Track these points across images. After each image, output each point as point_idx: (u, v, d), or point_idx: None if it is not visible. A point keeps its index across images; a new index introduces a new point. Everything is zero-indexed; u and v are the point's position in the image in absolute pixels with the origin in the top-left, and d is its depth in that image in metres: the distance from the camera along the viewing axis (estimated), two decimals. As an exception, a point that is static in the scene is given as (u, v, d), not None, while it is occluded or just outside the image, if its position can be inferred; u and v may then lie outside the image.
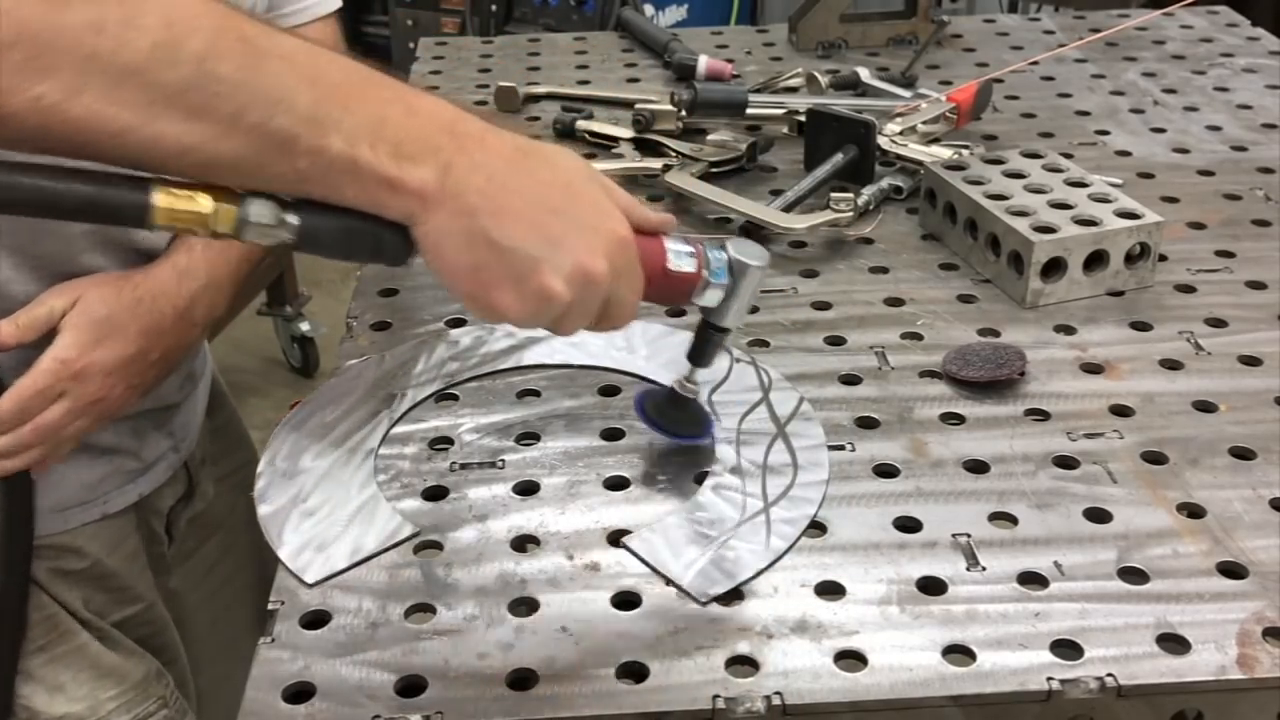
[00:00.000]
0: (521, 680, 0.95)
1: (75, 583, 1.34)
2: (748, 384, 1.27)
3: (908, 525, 1.10)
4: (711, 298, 1.07)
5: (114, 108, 0.80)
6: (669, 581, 1.04)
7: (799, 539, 1.09)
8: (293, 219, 0.90)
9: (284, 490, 1.14)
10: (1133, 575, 1.04)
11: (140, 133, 0.82)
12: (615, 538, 1.09)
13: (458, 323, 1.39)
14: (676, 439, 1.20)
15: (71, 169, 0.85)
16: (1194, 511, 1.11)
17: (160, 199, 0.86)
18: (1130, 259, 1.44)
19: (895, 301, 1.44)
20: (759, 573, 1.05)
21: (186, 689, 1.51)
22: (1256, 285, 1.46)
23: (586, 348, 1.32)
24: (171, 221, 0.87)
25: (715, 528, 1.09)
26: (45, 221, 1.11)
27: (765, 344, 1.36)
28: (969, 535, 1.09)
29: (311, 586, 1.04)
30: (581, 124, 1.83)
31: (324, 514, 1.11)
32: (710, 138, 1.76)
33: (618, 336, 1.31)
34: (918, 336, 1.37)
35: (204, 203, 0.87)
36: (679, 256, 1.04)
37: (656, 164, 1.70)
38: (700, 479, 1.16)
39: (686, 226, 1.61)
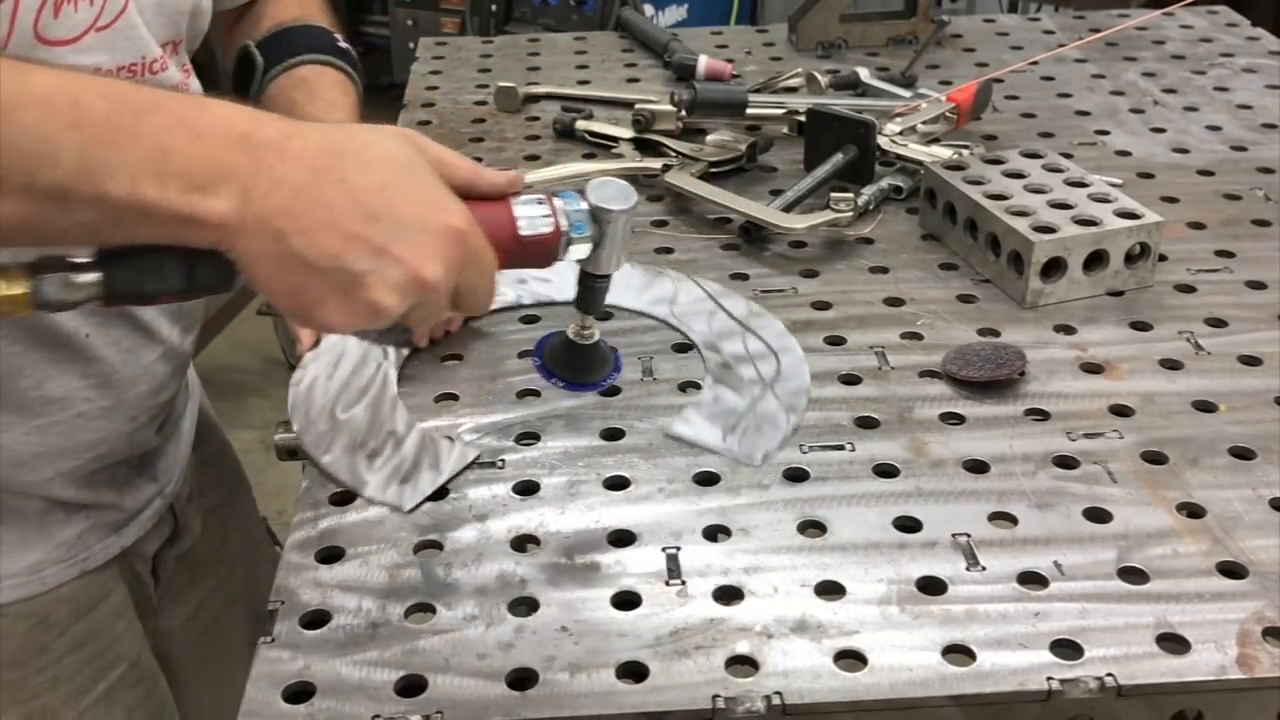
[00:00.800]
0: (521, 680, 0.95)
1: (48, 664, 1.24)
2: (697, 296, 1.41)
3: (908, 525, 1.10)
4: (578, 252, 1.03)
5: None
6: (719, 454, 1.17)
7: (806, 407, 1.24)
8: (91, 279, 0.85)
9: (335, 440, 1.20)
10: (1133, 575, 1.04)
11: None
12: (615, 538, 1.09)
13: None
14: (581, 389, 1.19)
15: None
16: (1194, 511, 1.11)
17: None
18: (1130, 259, 1.44)
19: (895, 301, 1.44)
20: (787, 436, 1.19)
21: None
22: (1256, 285, 1.46)
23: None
24: None
25: (734, 410, 1.22)
26: None
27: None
28: (969, 535, 1.09)
29: (409, 512, 1.12)
30: (581, 124, 1.83)
31: (388, 454, 1.18)
32: (710, 138, 1.76)
33: (624, 282, 1.38)
34: (918, 336, 1.37)
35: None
36: (532, 220, 0.99)
37: (656, 164, 1.70)
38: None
39: (687, 226, 1.61)
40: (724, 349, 1.33)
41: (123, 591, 1.33)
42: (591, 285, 1.08)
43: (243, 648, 1.53)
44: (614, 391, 1.29)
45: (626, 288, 1.43)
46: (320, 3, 1.55)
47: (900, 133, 1.71)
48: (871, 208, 1.62)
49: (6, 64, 0.81)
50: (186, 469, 1.45)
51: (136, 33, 1.15)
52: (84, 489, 1.25)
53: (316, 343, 1.32)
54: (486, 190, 0.97)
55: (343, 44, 1.50)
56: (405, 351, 1.34)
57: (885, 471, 1.17)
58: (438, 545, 1.09)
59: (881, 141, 1.67)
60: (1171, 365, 1.32)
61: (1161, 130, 1.84)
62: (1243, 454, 1.18)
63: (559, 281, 1.41)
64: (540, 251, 1.00)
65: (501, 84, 1.94)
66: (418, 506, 1.13)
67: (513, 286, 1.44)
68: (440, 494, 1.15)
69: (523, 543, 1.09)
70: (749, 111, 1.80)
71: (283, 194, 0.85)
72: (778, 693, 0.93)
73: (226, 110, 0.87)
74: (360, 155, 0.89)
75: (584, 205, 1.02)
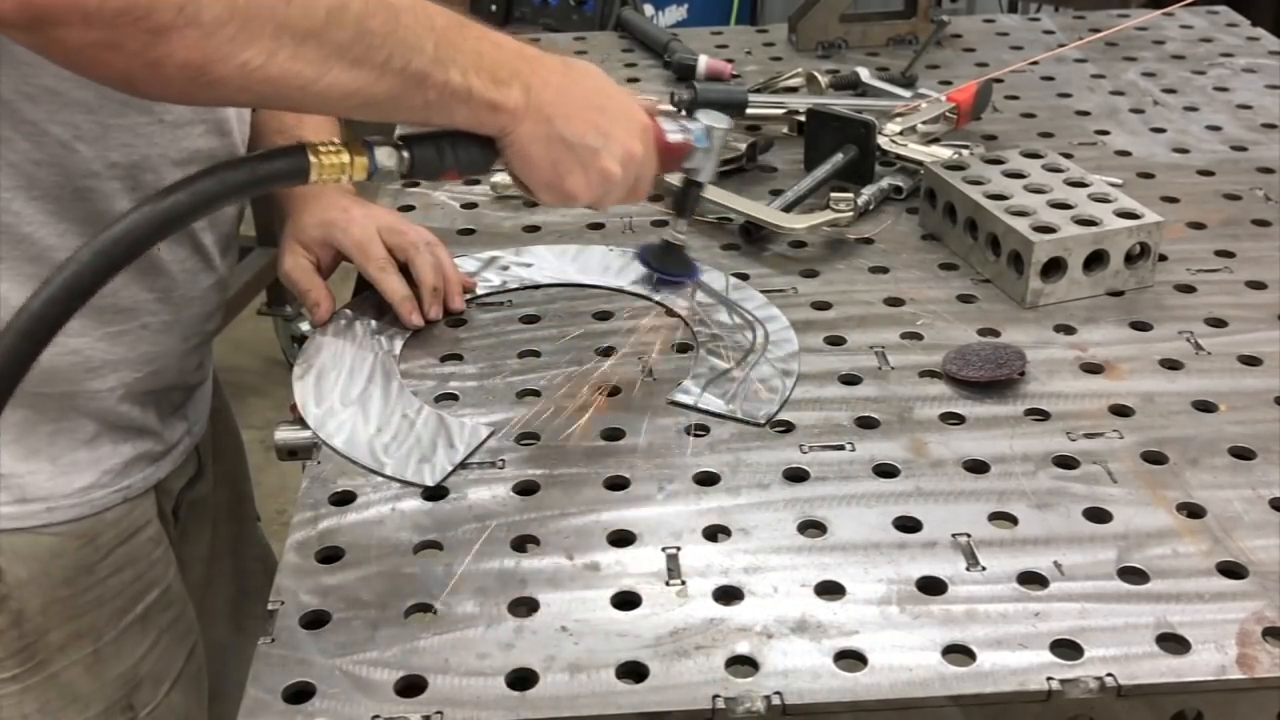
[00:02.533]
0: (521, 680, 0.95)
1: (95, 584, 1.34)
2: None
3: (908, 525, 1.10)
4: (697, 159, 1.32)
5: (299, 64, 0.96)
6: (724, 418, 1.23)
7: (798, 371, 1.30)
8: (405, 154, 1.09)
9: (348, 425, 1.23)
10: (1133, 575, 1.04)
11: (319, 84, 0.98)
12: (615, 538, 1.09)
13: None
14: (672, 278, 1.45)
15: (229, 162, 0.99)
16: (1194, 511, 1.11)
17: (314, 160, 1.02)
18: (1130, 259, 1.44)
19: (895, 301, 1.44)
20: (786, 397, 1.26)
21: (204, 668, 1.52)
22: (1256, 285, 1.46)
23: (543, 269, 1.52)
24: (321, 176, 1.03)
25: (730, 377, 1.29)
26: (76, 170, 1.20)
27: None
28: (969, 535, 1.09)
29: (434, 486, 1.16)
30: (581, 124, 1.82)
31: (402, 436, 1.22)
32: (710, 138, 1.76)
33: (603, 264, 1.53)
34: (918, 336, 1.37)
35: (344, 158, 1.04)
36: (672, 131, 1.28)
37: (656, 164, 1.70)
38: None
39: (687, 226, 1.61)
40: (711, 320, 1.40)
41: (157, 523, 1.42)
42: (690, 192, 1.39)
43: (224, 601, 1.64)
44: (614, 391, 1.29)
45: (606, 269, 1.50)
46: None
47: (900, 133, 1.71)
48: (871, 208, 1.62)
49: None
50: (208, 415, 1.54)
51: None
52: (136, 407, 1.35)
53: (331, 316, 1.41)
54: (645, 109, 1.25)
55: None
56: (401, 342, 1.37)
57: (885, 471, 1.17)
58: (438, 545, 1.09)
59: (881, 141, 1.67)
60: (1171, 365, 1.32)
61: (1161, 130, 1.84)
62: (1243, 454, 1.18)
63: (539, 265, 1.52)
64: (677, 156, 1.30)
65: (501, 84, 1.94)
66: (443, 480, 1.16)
67: (497, 273, 1.50)
68: (440, 494, 1.15)
69: (523, 543, 1.09)
70: (749, 111, 1.80)
71: (549, 91, 1.14)
72: (778, 693, 0.93)
73: (505, 36, 1.15)
74: (585, 70, 1.21)
75: (700, 124, 1.31)
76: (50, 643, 1.31)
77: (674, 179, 1.39)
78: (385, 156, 1.08)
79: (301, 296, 1.43)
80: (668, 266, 1.44)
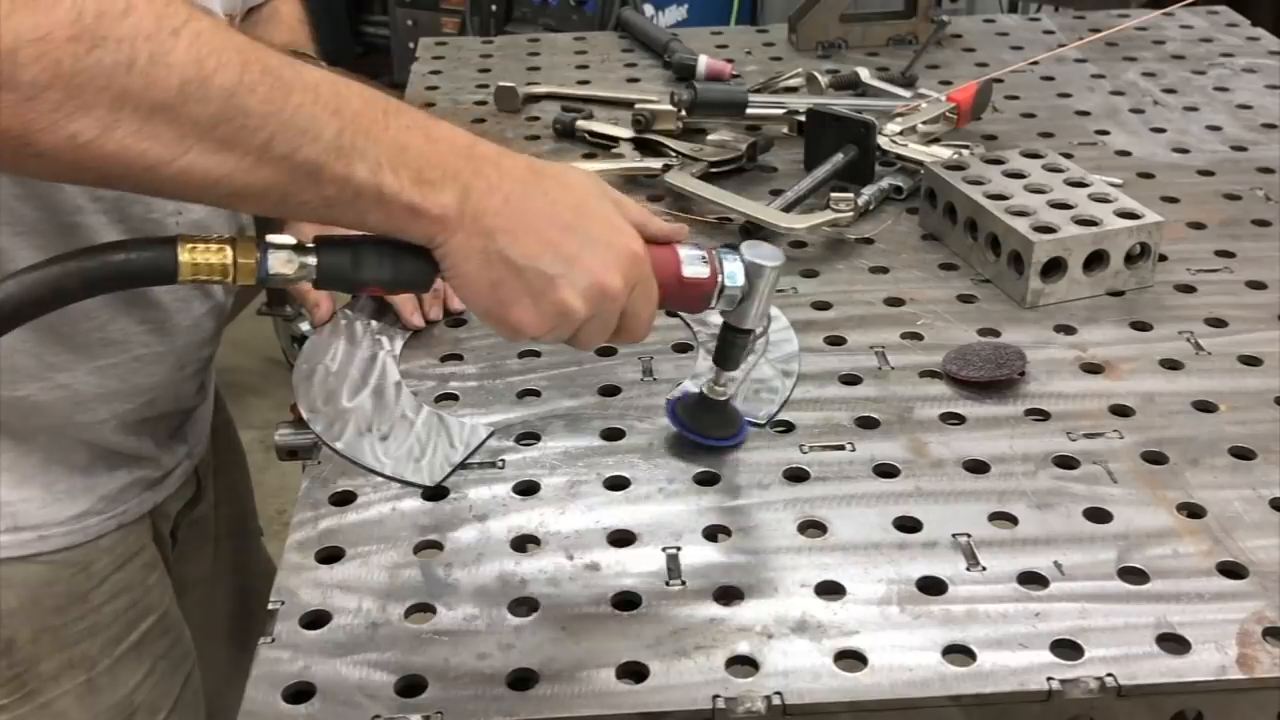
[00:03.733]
0: (521, 680, 0.95)
1: (88, 612, 1.32)
2: None
3: (908, 525, 1.10)
4: (728, 302, 1.09)
5: (146, 142, 0.83)
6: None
7: (799, 371, 1.30)
8: (310, 260, 0.94)
9: (348, 425, 1.23)
10: (1133, 575, 1.04)
11: (172, 166, 0.85)
12: (615, 538, 1.09)
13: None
14: (709, 442, 1.20)
15: (86, 249, 0.89)
16: (1194, 511, 1.11)
17: (184, 258, 0.89)
18: (1130, 259, 1.44)
19: (895, 301, 1.44)
20: (787, 397, 1.25)
21: (201, 696, 1.50)
22: (1256, 285, 1.46)
23: None
24: (195, 275, 0.90)
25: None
26: (60, 205, 1.15)
27: (765, 344, 1.36)
28: (969, 535, 1.09)
29: (433, 486, 1.15)
30: (581, 124, 1.83)
31: (402, 435, 1.21)
32: (710, 138, 1.76)
33: None
34: (918, 336, 1.37)
35: (225, 257, 0.90)
36: (693, 263, 1.07)
37: (656, 164, 1.70)
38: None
39: (683, 225, 1.61)
40: (711, 321, 1.35)
41: (152, 548, 1.40)
42: (732, 340, 1.14)
43: (226, 619, 1.62)
44: (614, 391, 1.29)
45: None
46: (308, 34, 1.61)
47: (900, 133, 1.71)
48: (871, 208, 1.62)
49: (283, 57, 0.90)
50: (208, 435, 1.52)
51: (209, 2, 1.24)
52: (131, 437, 1.32)
53: (332, 316, 1.39)
54: (654, 234, 1.06)
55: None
56: (401, 342, 1.37)
57: (885, 471, 1.17)
58: (438, 545, 1.09)
59: (881, 141, 1.67)
60: (1171, 365, 1.32)
61: (1161, 130, 1.84)
62: (1243, 454, 1.18)
63: None
64: (697, 294, 1.08)
65: (501, 84, 1.94)
66: (443, 480, 1.16)
67: None
68: (440, 494, 1.15)
69: (523, 543, 1.09)
70: (749, 111, 1.80)
71: (495, 199, 0.96)
72: (778, 693, 0.93)
73: (453, 127, 0.98)
74: (559, 178, 1.01)
75: (738, 258, 1.09)
76: (42, 672, 1.29)
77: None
78: (281, 262, 0.92)
79: (301, 297, 1.42)
80: (704, 428, 1.20)
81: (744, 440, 1.20)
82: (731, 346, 1.15)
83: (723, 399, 1.19)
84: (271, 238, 0.93)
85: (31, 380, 1.21)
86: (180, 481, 1.43)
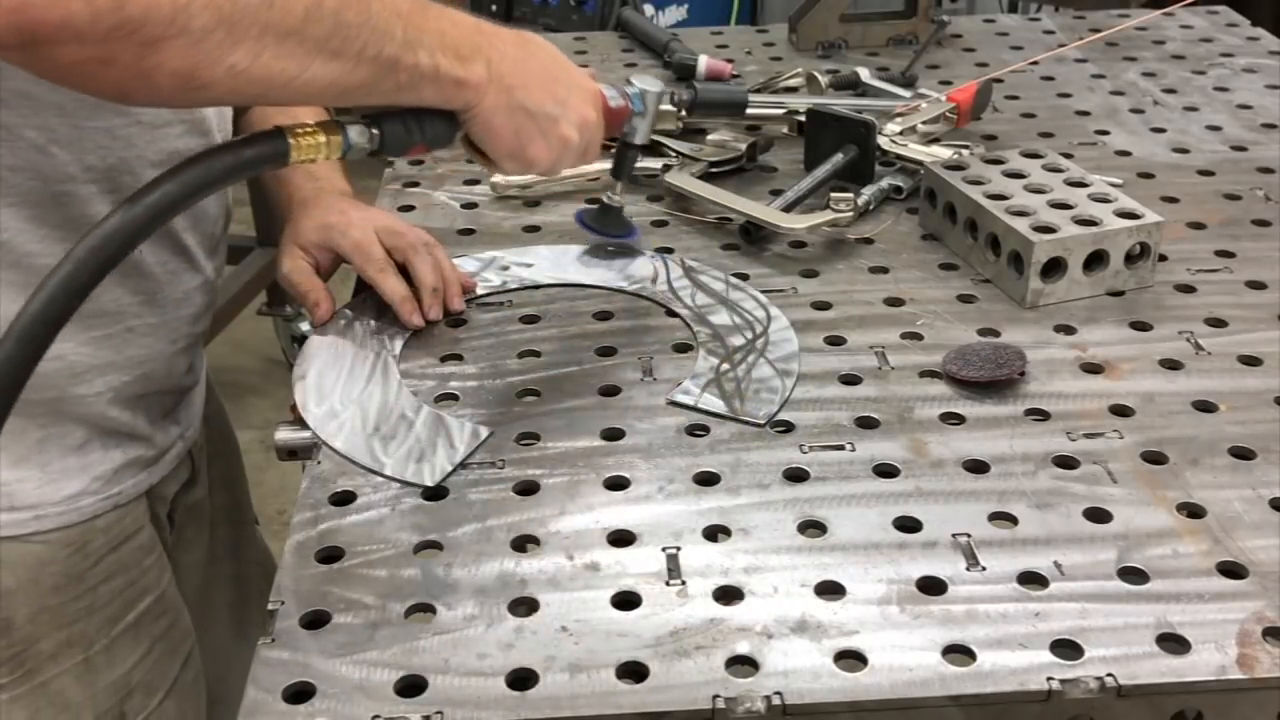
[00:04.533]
0: (521, 680, 0.95)
1: (85, 592, 1.33)
2: (677, 274, 1.49)
3: (908, 525, 1.10)
4: (635, 122, 1.41)
5: (283, 61, 0.99)
6: (725, 418, 1.24)
7: (798, 371, 1.30)
8: (375, 131, 1.12)
9: (347, 426, 1.24)
10: (1133, 575, 1.04)
11: (302, 78, 1.01)
12: (615, 538, 1.09)
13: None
14: (610, 238, 1.52)
15: (211, 150, 1.01)
16: (1194, 511, 1.11)
17: (293, 141, 1.06)
18: (1130, 259, 1.44)
19: (895, 301, 1.44)
20: (786, 397, 1.26)
21: (201, 677, 1.52)
22: (1256, 285, 1.46)
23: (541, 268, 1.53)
24: (300, 156, 1.06)
25: (731, 377, 1.30)
26: (53, 174, 1.20)
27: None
28: (969, 535, 1.09)
29: (433, 486, 1.16)
30: (581, 124, 1.82)
31: (402, 435, 1.22)
32: (710, 138, 1.76)
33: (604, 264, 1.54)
34: (918, 336, 1.37)
35: (320, 138, 1.08)
36: (613, 98, 1.36)
37: (656, 164, 1.70)
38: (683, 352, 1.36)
39: (683, 225, 1.61)
40: (711, 320, 1.39)
41: (150, 529, 1.42)
42: (627, 155, 1.46)
43: (225, 606, 1.64)
44: (614, 391, 1.29)
45: (609, 268, 1.50)
46: None
47: (900, 133, 1.71)
48: (871, 208, 1.62)
49: None
50: (201, 420, 1.54)
51: None
52: (126, 412, 1.34)
53: (332, 316, 1.42)
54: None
55: None
56: (401, 342, 1.37)
57: (885, 471, 1.17)
58: (438, 545, 1.09)
59: (881, 141, 1.67)
60: (1171, 365, 1.32)
61: (1161, 130, 1.84)
62: (1243, 454, 1.18)
63: (539, 265, 1.52)
64: (618, 120, 1.39)
65: (501, 84, 1.94)
66: (443, 480, 1.16)
67: (497, 273, 1.50)
68: (440, 494, 1.15)
69: (523, 543, 1.09)
70: (749, 111, 1.80)
71: (507, 63, 1.17)
72: (778, 693, 0.93)
73: (461, 13, 1.18)
74: (538, 42, 1.25)
75: (637, 88, 1.40)
76: (40, 651, 1.31)
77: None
78: (357, 134, 1.11)
79: (301, 298, 1.43)
80: (606, 227, 1.51)
81: (637, 240, 1.53)
82: (625, 160, 1.47)
83: (619, 206, 1.50)
84: (343, 119, 1.11)
85: None
86: (175, 463, 1.45)
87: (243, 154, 1.02)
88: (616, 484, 1.16)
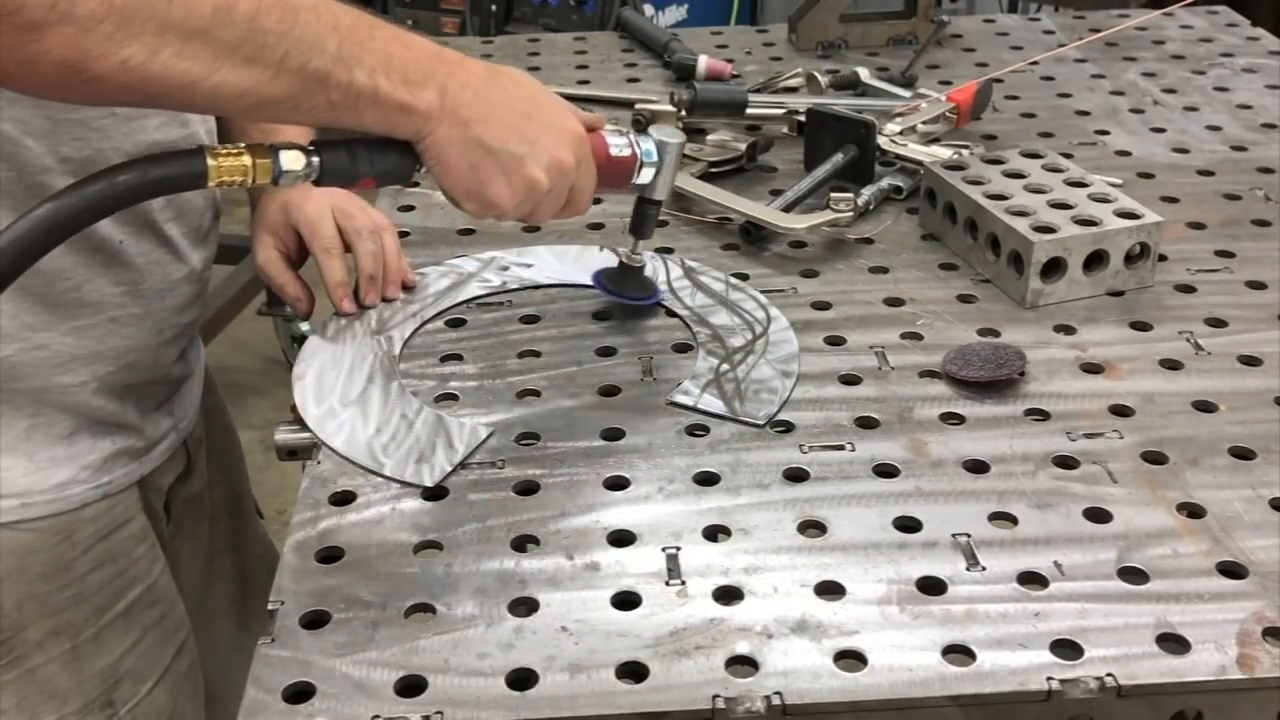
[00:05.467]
0: (521, 680, 0.95)
1: (73, 580, 1.34)
2: (677, 275, 1.48)
3: (908, 525, 1.10)
4: (646, 175, 1.29)
5: (186, 63, 0.95)
6: (725, 418, 1.23)
7: (798, 372, 1.30)
8: (315, 159, 1.07)
9: (347, 426, 1.23)
10: (1133, 575, 1.04)
11: (208, 82, 0.98)
12: (615, 538, 1.09)
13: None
14: (630, 301, 1.41)
15: (118, 165, 0.99)
16: (1194, 511, 1.11)
17: (212, 163, 1.01)
18: (1130, 259, 1.44)
19: (895, 301, 1.44)
20: (786, 398, 1.25)
21: (197, 667, 1.52)
22: (1256, 285, 1.46)
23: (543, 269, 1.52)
24: (220, 178, 1.02)
25: (731, 378, 1.28)
26: (28, 165, 1.19)
27: (765, 344, 1.36)
28: (969, 535, 1.09)
29: (433, 486, 1.15)
30: (581, 124, 1.82)
31: (401, 436, 1.22)
32: (710, 138, 1.76)
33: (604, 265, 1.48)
34: (918, 336, 1.37)
35: (245, 160, 1.03)
36: (617, 146, 1.26)
37: (657, 164, 1.70)
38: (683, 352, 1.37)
39: (683, 225, 1.61)
40: (711, 321, 1.39)
41: (142, 519, 1.42)
42: (646, 211, 1.36)
43: (226, 599, 1.64)
44: (614, 391, 1.29)
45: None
46: None
47: (900, 133, 1.71)
48: (871, 208, 1.62)
49: None
50: (199, 414, 1.54)
51: None
52: (113, 401, 1.34)
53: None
54: (584, 121, 1.22)
55: None
56: (401, 342, 1.37)
57: (885, 471, 1.17)
58: (438, 545, 1.09)
59: (881, 141, 1.67)
60: (1171, 365, 1.32)
61: (1161, 130, 1.84)
62: (1243, 454, 1.18)
63: (539, 265, 1.52)
64: (623, 170, 1.27)
65: (501, 84, 1.94)
66: (443, 480, 1.16)
67: (497, 273, 1.50)
68: (440, 494, 1.15)
69: (523, 543, 1.09)
70: (749, 111, 1.80)
71: (467, 94, 1.11)
72: (778, 693, 0.93)
73: (420, 37, 1.14)
74: (511, 75, 1.19)
75: (651, 138, 1.29)
76: (27, 639, 1.31)
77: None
78: (291, 160, 1.05)
79: (278, 290, 1.44)
80: (624, 290, 1.41)
81: (660, 301, 1.42)
82: (645, 217, 1.36)
83: (639, 265, 1.40)
84: (279, 143, 1.06)
85: (10, 340, 1.23)
86: (167, 454, 1.45)
87: (150, 173, 0.99)
88: (616, 484, 1.16)
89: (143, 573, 1.41)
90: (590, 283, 1.46)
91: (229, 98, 1.00)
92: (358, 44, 1.05)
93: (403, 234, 1.60)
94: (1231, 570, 1.05)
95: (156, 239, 1.33)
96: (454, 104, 1.10)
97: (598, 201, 1.49)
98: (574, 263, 1.52)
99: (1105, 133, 1.83)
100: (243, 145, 1.03)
